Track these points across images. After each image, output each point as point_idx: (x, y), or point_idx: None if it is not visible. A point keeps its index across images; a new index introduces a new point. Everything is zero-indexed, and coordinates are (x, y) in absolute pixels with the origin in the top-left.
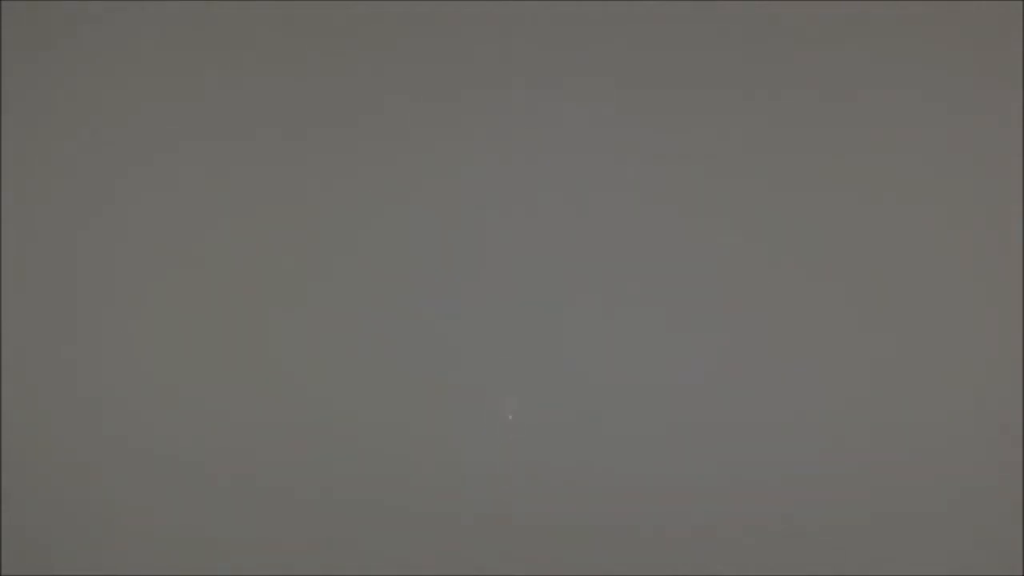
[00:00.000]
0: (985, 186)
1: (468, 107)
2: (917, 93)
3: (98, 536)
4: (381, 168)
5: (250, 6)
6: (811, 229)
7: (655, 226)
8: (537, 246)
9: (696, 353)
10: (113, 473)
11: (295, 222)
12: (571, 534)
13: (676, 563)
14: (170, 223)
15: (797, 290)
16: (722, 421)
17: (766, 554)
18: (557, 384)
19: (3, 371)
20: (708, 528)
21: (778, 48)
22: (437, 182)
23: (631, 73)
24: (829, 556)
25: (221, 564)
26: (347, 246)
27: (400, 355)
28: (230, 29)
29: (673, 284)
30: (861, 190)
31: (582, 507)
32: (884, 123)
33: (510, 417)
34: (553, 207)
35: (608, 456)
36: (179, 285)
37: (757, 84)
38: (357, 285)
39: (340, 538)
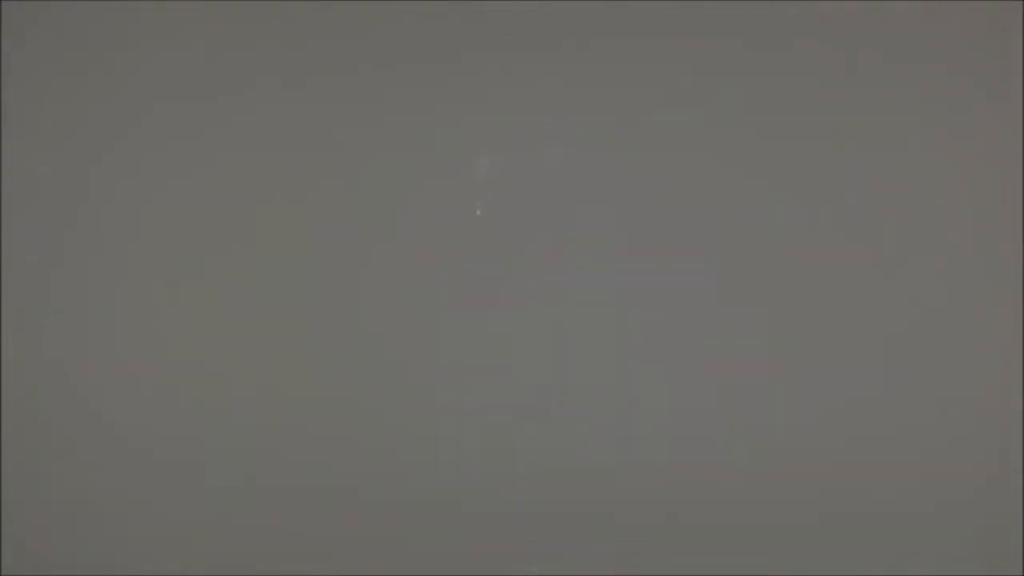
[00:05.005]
0: (985, 186)
1: (467, 102)
2: (916, 93)
3: (98, 535)
4: (379, 167)
5: (250, 6)
6: (809, 228)
7: (654, 225)
8: (536, 244)
9: (693, 349)
10: (113, 472)
11: (294, 223)
12: (570, 529)
13: (679, 561)
14: (168, 223)
15: (794, 290)
16: (718, 418)
17: (762, 554)
18: (556, 382)
19: (3, 370)
20: (704, 526)
21: (776, 48)
22: (437, 181)
23: (631, 67)
24: (827, 556)
25: (222, 564)
26: (346, 245)
27: (399, 354)
28: (230, 28)
29: (672, 279)
30: (859, 190)
31: (580, 503)
32: (883, 123)
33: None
34: (552, 205)
35: (606, 452)
36: (179, 283)
37: (756, 83)
38: (356, 284)
39: (339, 536)
